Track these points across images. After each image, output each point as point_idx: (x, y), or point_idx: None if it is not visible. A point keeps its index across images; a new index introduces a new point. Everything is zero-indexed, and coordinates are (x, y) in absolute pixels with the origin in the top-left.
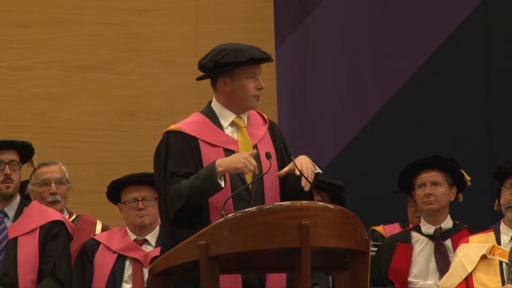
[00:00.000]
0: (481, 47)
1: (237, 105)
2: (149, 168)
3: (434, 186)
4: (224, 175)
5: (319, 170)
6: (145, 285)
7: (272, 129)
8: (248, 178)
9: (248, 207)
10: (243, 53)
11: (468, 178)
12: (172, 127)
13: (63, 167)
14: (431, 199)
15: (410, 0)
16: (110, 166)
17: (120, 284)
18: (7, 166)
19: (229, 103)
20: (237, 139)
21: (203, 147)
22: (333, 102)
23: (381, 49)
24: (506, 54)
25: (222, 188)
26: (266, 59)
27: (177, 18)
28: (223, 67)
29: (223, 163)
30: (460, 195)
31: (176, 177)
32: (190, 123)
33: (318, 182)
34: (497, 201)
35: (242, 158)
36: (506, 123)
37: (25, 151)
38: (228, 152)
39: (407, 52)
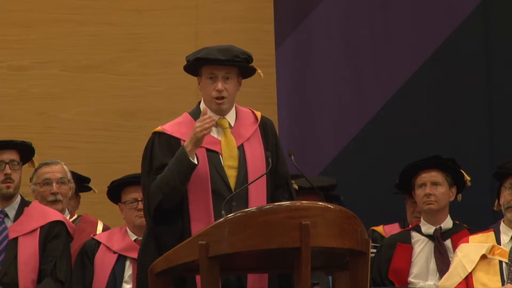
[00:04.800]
0: (481, 47)
1: (209, 107)
2: None
3: (434, 186)
4: (199, 160)
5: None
6: None
7: (265, 127)
8: (231, 179)
9: (230, 206)
10: (203, 51)
11: (468, 178)
12: (158, 128)
13: (64, 166)
14: (431, 199)
15: (410, 0)
16: (110, 166)
17: (121, 284)
18: (7, 166)
19: (206, 104)
20: (220, 140)
21: None
22: (333, 102)
23: (381, 49)
24: (506, 53)
25: (196, 164)
26: (215, 60)
27: (177, 18)
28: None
29: (187, 141)
30: (459, 195)
31: (154, 176)
32: (175, 124)
33: (308, 189)
34: (497, 201)
35: (196, 126)
36: (506, 123)
37: (25, 151)
38: (211, 152)
39: (407, 52)
